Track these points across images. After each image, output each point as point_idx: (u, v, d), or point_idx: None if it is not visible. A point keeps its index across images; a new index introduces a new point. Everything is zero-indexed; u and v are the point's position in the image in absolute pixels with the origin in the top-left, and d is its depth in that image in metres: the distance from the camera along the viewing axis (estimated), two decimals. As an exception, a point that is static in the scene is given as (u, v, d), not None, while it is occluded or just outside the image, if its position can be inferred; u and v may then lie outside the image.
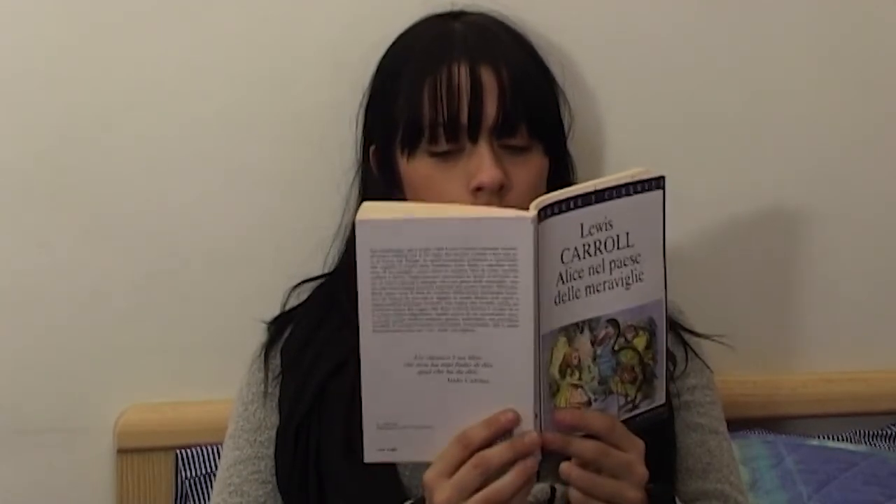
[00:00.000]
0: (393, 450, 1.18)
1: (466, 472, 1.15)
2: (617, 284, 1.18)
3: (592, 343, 1.17)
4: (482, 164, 1.36)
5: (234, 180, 1.65)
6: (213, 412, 1.60)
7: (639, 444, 1.20)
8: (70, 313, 1.64)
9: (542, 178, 1.42)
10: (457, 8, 1.52)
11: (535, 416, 1.15)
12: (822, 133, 1.77)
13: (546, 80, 1.48)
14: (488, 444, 1.15)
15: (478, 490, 1.14)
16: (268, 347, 1.46)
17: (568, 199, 1.13)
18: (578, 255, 1.15)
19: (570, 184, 1.53)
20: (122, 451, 1.65)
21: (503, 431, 1.15)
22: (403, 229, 1.13)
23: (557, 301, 1.14)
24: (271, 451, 1.41)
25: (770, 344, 1.79)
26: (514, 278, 1.12)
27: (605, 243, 1.16)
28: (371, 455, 1.18)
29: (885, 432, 1.81)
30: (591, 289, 1.16)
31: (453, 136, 1.38)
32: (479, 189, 1.36)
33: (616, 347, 1.19)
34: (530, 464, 1.15)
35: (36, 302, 1.63)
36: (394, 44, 1.49)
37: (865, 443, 1.79)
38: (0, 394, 1.64)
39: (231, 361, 1.52)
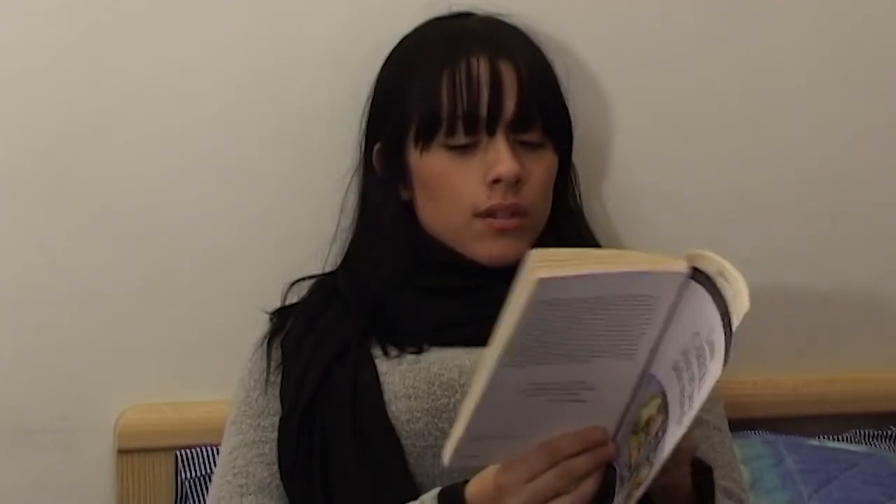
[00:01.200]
0: (474, 456, 1.16)
1: (549, 480, 1.14)
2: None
3: (655, 431, 1.14)
4: (500, 156, 1.37)
5: (234, 180, 1.65)
6: (213, 412, 1.60)
7: None
8: (70, 313, 1.64)
9: (552, 176, 1.44)
10: (455, 10, 1.52)
11: (612, 439, 1.15)
12: (822, 133, 1.77)
13: (557, 81, 1.48)
14: (574, 455, 1.14)
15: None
16: (270, 337, 1.47)
17: (718, 290, 1.09)
18: (694, 356, 1.10)
19: (571, 189, 1.53)
20: (122, 451, 1.65)
21: (593, 447, 1.14)
22: (575, 284, 1.06)
23: (675, 368, 1.11)
24: (274, 435, 1.41)
25: (770, 344, 1.79)
26: (646, 321, 1.09)
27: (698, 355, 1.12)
28: (454, 462, 1.15)
29: (885, 433, 1.80)
30: (688, 390, 1.11)
31: (472, 128, 1.39)
32: (495, 182, 1.37)
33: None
34: (599, 476, 1.15)
35: (36, 302, 1.63)
36: (401, 42, 1.49)
37: (866, 443, 1.78)
38: (0, 394, 1.64)
39: (231, 362, 1.52)
